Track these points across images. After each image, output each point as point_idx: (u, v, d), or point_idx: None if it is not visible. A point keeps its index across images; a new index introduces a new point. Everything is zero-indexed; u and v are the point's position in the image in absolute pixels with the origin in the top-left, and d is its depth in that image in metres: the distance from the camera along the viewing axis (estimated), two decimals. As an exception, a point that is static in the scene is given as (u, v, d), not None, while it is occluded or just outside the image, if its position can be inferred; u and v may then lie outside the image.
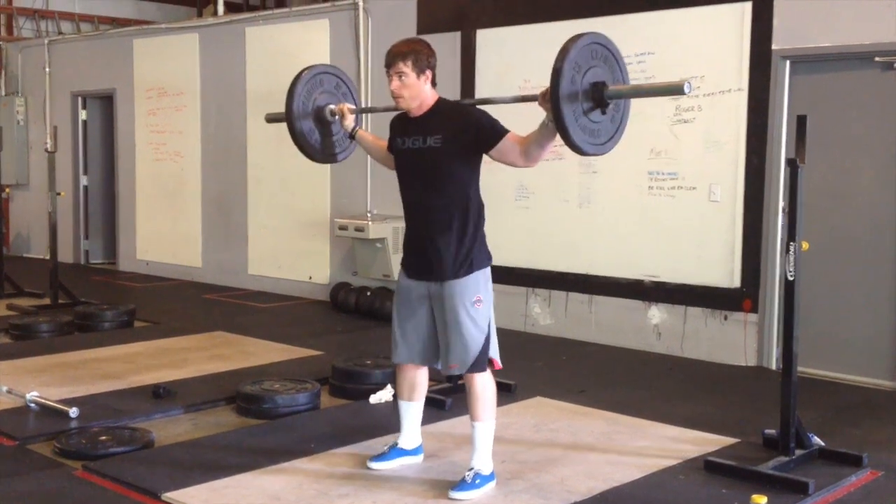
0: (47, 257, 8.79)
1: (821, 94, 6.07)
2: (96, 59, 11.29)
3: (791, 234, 4.26)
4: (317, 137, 4.42)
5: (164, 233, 10.61)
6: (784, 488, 3.91)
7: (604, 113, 3.54)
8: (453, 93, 7.53)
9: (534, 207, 7.42)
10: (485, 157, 3.87)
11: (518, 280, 7.44)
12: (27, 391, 5.02)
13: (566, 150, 3.58)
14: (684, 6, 6.54)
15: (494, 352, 3.94)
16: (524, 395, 5.43)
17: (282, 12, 9.67)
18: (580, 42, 3.46)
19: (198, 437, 4.62)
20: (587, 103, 3.49)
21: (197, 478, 3.97)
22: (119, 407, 5.03)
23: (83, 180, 11.68)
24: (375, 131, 5.26)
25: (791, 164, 4.24)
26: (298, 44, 8.95)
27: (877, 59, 5.79)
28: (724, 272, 6.46)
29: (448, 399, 5.04)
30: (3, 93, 12.41)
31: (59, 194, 8.66)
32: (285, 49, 9.04)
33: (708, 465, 4.19)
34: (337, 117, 4.36)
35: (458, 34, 7.80)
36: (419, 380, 4.13)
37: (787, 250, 4.25)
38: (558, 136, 3.52)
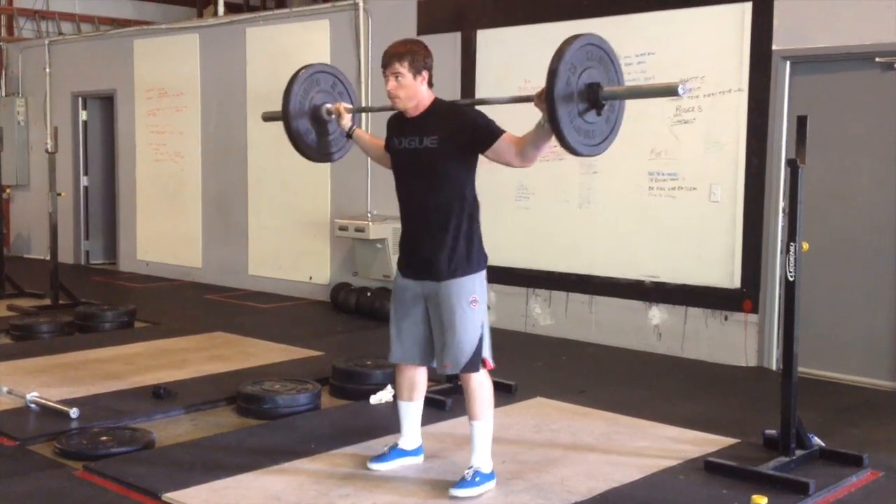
0: (48, 258, 8.79)
1: (821, 94, 6.07)
2: (96, 60, 11.30)
3: (791, 234, 4.26)
4: (313, 137, 4.41)
5: (164, 233, 10.61)
6: (784, 489, 3.91)
7: (599, 114, 3.55)
8: (453, 93, 7.53)
9: (534, 208, 7.41)
10: (483, 158, 3.87)
11: (518, 280, 7.44)
12: (28, 392, 5.02)
13: (566, 150, 3.59)
14: (684, 6, 6.54)
15: (487, 352, 3.94)
16: (524, 395, 5.43)
17: (282, 13, 9.67)
18: (576, 43, 3.47)
19: (198, 438, 4.63)
20: (582, 104, 3.49)
21: (197, 478, 3.97)
22: (119, 407, 5.04)
23: (83, 181, 11.69)
24: (375, 132, 5.26)
25: (791, 164, 4.24)
26: (299, 44, 8.95)
27: (877, 59, 5.79)
28: (725, 272, 6.45)
29: (448, 399, 5.04)
30: (4, 93, 12.42)
31: (59, 195, 8.65)
32: (285, 49, 9.03)
33: (708, 466, 4.19)
34: (333, 116, 4.37)
35: (458, 34, 7.80)
36: (418, 379, 4.14)
37: (788, 251, 4.25)
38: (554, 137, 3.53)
